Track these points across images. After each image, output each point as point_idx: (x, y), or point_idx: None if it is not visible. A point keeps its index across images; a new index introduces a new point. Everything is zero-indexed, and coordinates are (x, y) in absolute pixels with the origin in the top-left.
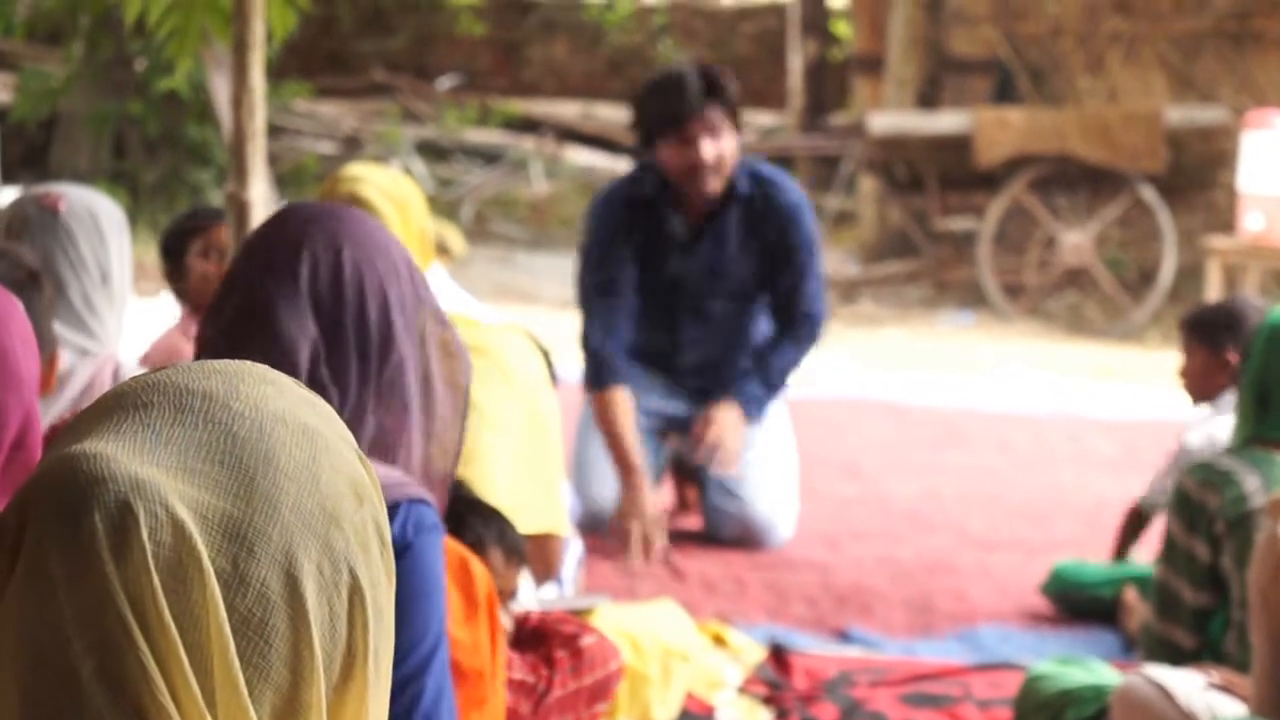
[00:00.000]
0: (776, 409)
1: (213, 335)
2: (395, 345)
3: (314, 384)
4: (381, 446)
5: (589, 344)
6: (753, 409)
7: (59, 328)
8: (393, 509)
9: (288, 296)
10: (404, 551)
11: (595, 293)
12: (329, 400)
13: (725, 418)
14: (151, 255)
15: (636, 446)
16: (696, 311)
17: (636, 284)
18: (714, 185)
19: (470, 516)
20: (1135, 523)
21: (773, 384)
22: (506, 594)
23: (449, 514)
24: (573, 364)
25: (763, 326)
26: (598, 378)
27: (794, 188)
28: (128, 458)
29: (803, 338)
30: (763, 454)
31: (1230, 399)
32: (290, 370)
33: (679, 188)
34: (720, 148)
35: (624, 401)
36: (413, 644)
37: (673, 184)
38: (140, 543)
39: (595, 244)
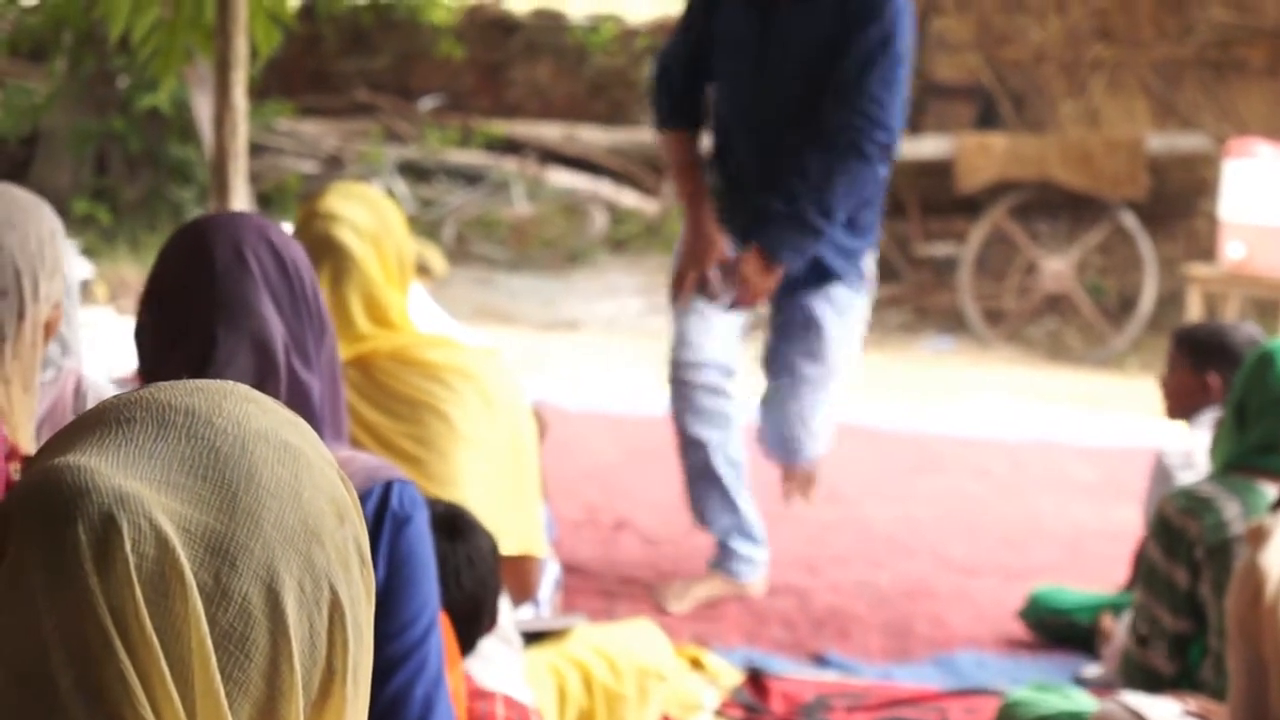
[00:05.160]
0: (851, 302)
1: (185, 354)
2: (326, 317)
3: (292, 380)
4: (336, 425)
5: (652, 73)
6: (781, 251)
7: None
8: (385, 487)
9: (258, 300)
10: (406, 524)
11: (673, 37)
12: (310, 391)
13: (746, 265)
14: (133, 272)
15: (692, 176)
16: (760, 71)
17: (716, 36)
18: None
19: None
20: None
21: (803, 217)
22: None
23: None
24: (552, 384)
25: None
26: (656, 119)
27: None
28: (111, 471)
29: (846, 148)
30: (802, 359)
31: (1208, 417)
32: (274, 371)
33: None
34: None
35: (678, 141)
36: (418, 613)
37: None
38: (123, 555)
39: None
